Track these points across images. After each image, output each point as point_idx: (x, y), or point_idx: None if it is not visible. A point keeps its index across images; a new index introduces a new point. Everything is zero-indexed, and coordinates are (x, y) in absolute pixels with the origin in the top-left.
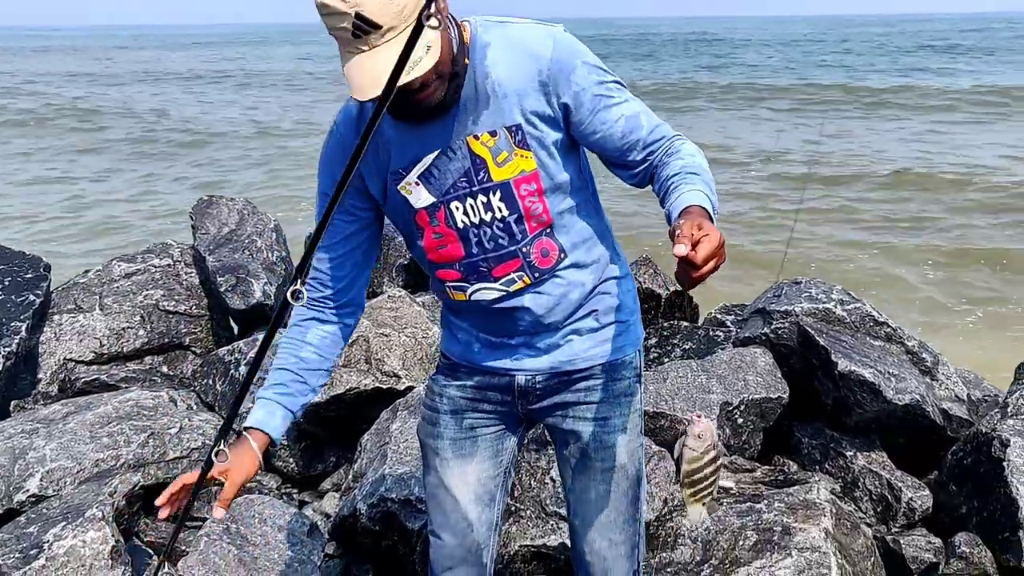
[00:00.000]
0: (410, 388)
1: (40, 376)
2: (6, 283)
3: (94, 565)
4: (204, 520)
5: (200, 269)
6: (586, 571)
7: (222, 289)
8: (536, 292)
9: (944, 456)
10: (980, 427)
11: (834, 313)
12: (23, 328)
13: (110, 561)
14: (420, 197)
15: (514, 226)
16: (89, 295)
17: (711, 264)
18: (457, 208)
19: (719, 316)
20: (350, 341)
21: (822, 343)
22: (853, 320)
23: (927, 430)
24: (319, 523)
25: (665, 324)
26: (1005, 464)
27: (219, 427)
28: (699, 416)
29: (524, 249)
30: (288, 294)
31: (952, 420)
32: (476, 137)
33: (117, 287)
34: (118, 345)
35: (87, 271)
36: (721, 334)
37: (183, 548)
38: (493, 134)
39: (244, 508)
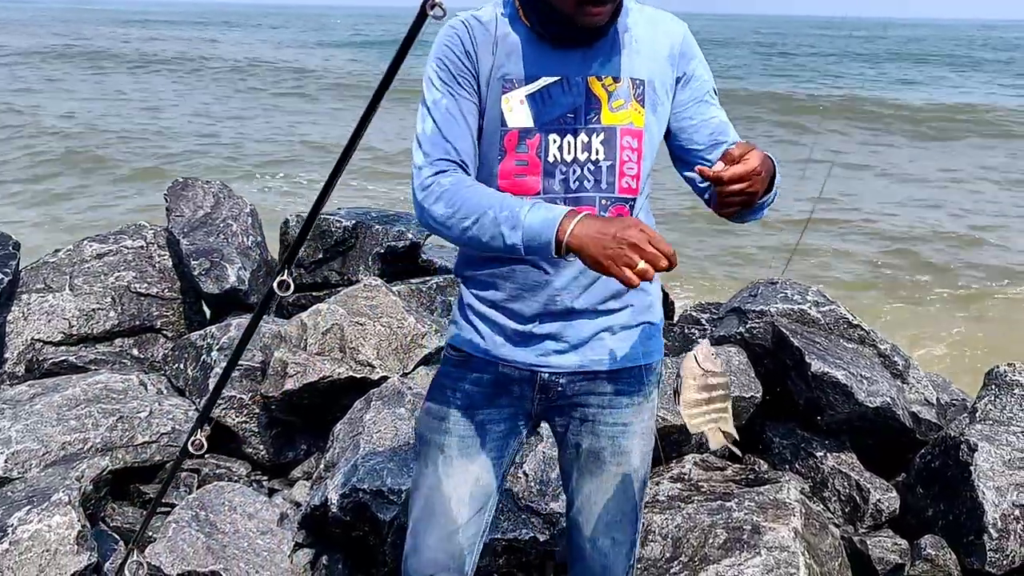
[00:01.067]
0: (384, 378)
1: (7, 356)
2: None
3: (59, 550)
4: (172, 506)
5: (173, 252)
6: (584, 566)
7: (196, 273)
8: None
9: (912, 459)
10: (949, 431)
11: (809, 314)
12: None
13: (76, 546)
14: (518, 117)
15: (604, 172)
16: (59, 275)
17: (739, 186)
18: (555, 141)
19: (694, 314)
20: (324, 330)
21: (796, 344)
22: (827, 322)
23: (897, 432)
24: (289, 512)
25: None
26: (972, 468)
27: (189, 412)
28: (699, 343)
29: (604, 201)
30: (275, 284)
31: (921, 423)
32: (599, 78)
33: (88, 267)
34: (88, 326)
35: (57, 250)
36: (696, 332)
37: (150, 535)
38: (617, 80)
39: (214, 495)
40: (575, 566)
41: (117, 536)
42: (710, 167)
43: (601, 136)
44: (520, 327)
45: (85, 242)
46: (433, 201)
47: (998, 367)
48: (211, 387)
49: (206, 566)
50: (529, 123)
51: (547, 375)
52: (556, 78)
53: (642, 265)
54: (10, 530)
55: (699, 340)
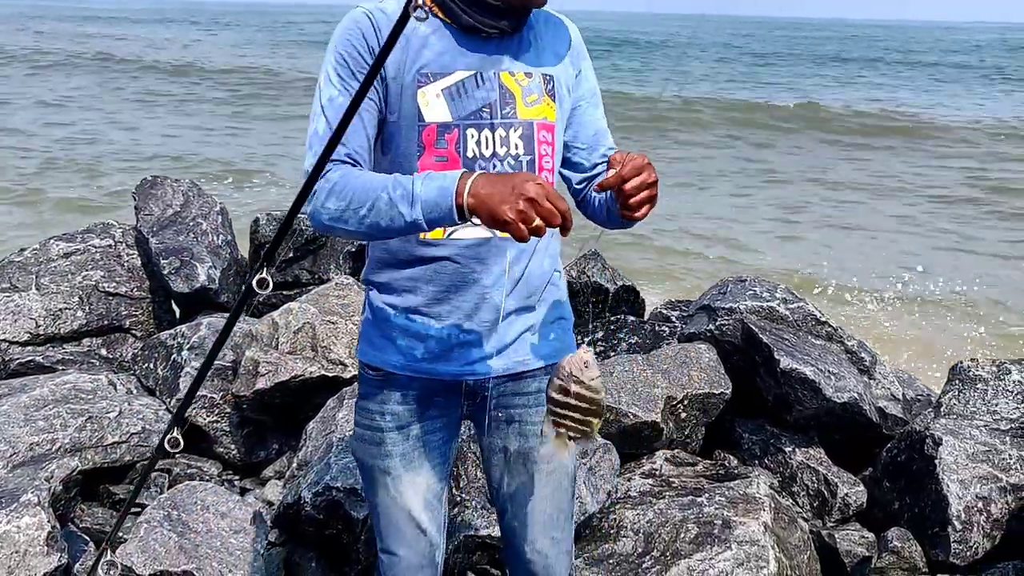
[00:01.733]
0: (356, 376)
1: None
2: None
3: (28, 551)
4: (143, 506)
5: (143, 251)
6: (525, 570)
7: (165, 272)
8: (515, 250)
9: (879, 453)
10: (914, 426)
11: (777, 311)
12: None
13: (46, 547)
14: (436, 112)
15: (524, 167)
16: (25, 274)
17: (638, 179)
18: (472, 136)
19: (664, 311)
20: (295, 328)
21: (765, 340)
22: (796, 319)
23: (864, 427)
24: (261, 511)
25: (612, 318)
26: (937, 462)
27: (159, 412)
28: (586, 348)
29: None
30: (253, 282)
31: (888, 418)
32: (511, 74)
33: (55, 267)
34: (55, 326)
35: (23, 249)
36: (667, 329)
37: (121, 535)
38: (528, 75)
39: (186, 494)
40: (516, 572)
41: (87, 537)
42: (596, 182)
43: (519, 131)
44: (443, 335)
45: (52, 241)
46: (324, 199)
47: (961, 363)
48: (182, 386)
49: (178, 566)
50: (447, 117)
51: (472, 382)
52: (470, 72)
53: (537, 222)
54: None
55: (582, 343)
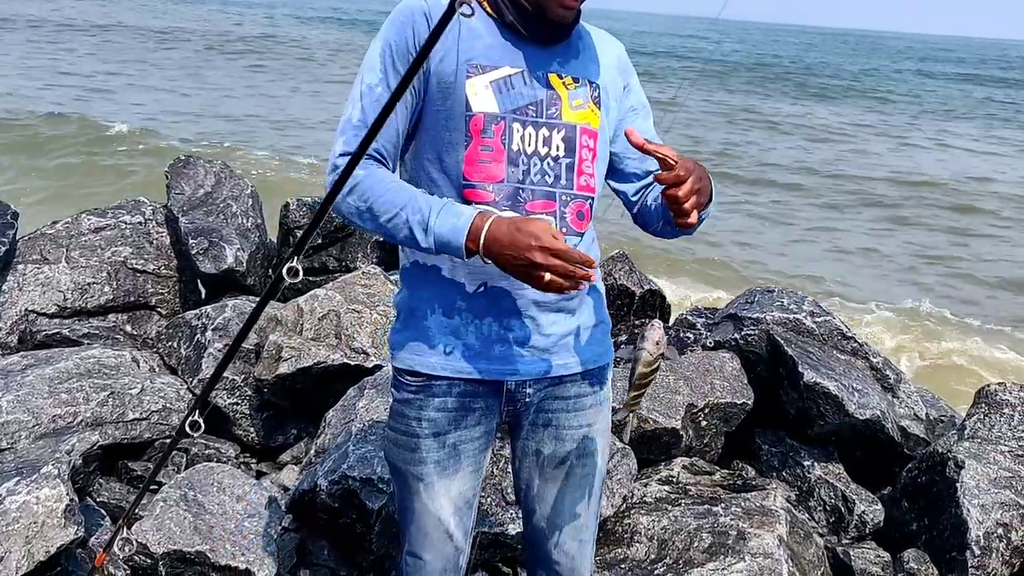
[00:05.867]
0: (379, 367)
1: (0, 326)
2: None
3: (47, 523)
4: (160, 484)
5: (172, 230)
6: (552, 571)
7: (193, 252)
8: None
9: (899, 473)
10: (936, 447)
11: (804, 324)
12: None
13: (63, 520)
14: (483, 102)
15: (564, 170)
16: (56, 247)
17: (690, 185)
18: (518, 130)
19: (690, 318)
20: (320, 315)
21: (790, 353)
22: (822, 332)
23: (885, 446)
24: (277, 496)
25: (637, 322)
26: (958, 485)
27: (180, 391)
28: (654, 324)
29: (564, 196)
30: (284, 270)
31: (909, 438)
32: (560, 76)
33: (85, 241)
34: (82, 300)
35: (55, 222)
36: (691, 336)
37: (137, 512)
38: (576, 80)
39: (203, 475)
40: (539, 573)
41: (104, 512)
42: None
43: (562, 133)
44: (484, 331)
45: (83, 215)
46: (346, 194)
47: (988, 386)
48: (204, 367)
49: (192, 546)
50: (495, 109)
51: (514, 385)
52: (517, 70)
53: (550, 277)
54: None
55: (652, 323)
